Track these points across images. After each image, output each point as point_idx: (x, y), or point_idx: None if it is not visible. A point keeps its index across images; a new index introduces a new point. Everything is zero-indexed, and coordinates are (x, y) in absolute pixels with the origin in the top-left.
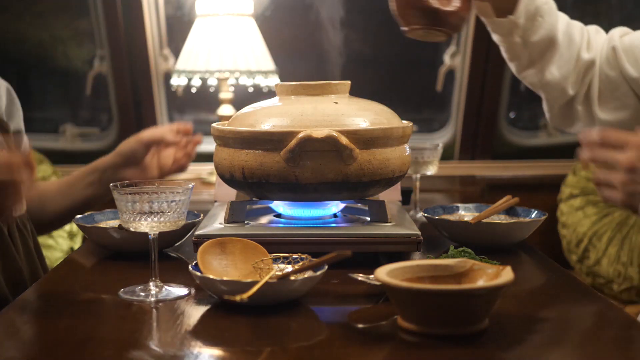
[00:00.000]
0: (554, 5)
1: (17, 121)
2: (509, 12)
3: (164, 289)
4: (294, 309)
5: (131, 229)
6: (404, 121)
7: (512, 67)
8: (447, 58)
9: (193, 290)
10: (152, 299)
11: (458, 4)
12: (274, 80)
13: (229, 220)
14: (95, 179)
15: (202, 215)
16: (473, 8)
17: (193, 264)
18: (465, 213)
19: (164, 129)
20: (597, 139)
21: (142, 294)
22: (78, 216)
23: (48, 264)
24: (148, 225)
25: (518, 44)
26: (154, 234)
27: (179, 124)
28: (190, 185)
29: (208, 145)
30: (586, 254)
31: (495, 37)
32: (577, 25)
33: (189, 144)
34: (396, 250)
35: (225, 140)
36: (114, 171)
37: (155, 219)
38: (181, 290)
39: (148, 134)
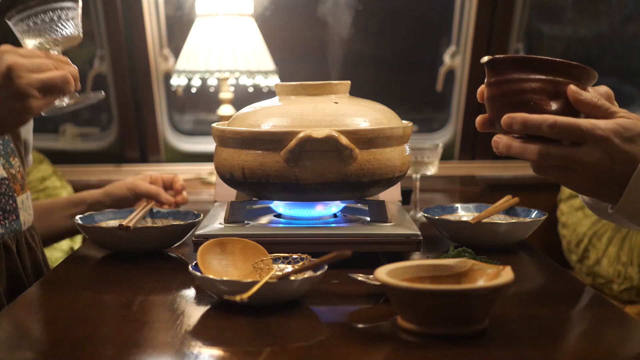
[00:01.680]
0: None
1: (28, 129)
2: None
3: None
4: (294, 309)
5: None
6: (404, 121)
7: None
8: (447, 58)
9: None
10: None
11: None
12: (274, 80)
13: (229, 220)
14: (80, 212)
15: (202, 215)
16: None
17: (193, 264)
18: (465, 213)
19: (159, 189)
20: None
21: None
22: (78, 216)
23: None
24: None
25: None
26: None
27: (175, 181)
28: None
29: (208, 145)
30: (586, 254)
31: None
32: None
33: (178, 198)
34: (396, 250)
35: (225, 140)
36: (99, 209)
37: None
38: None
39: (143, 188)
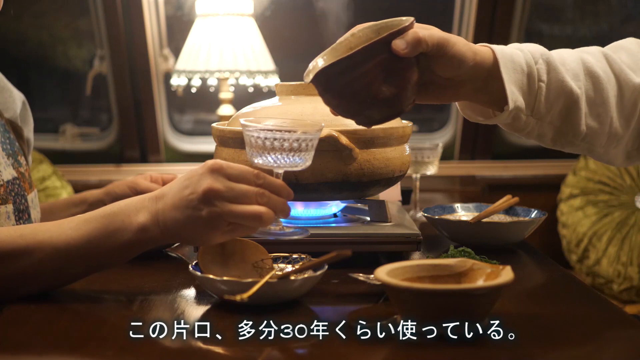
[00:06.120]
0: (553, 57)
1: (29, 128)
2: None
3: None
4: (294, 309)
5: (255, 161)
6: (404, 121)
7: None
8: None
9: None
10: None
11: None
12: (274, 80)
13: None
14: (80, 212)
15: None
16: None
17: (193, 264)
18: (465, 213)
19: (159, 187)
20: None
21: None
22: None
23: None
24: (272, 160)
25: (532, 123)
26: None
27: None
28: (322, 125)
29: (208, 145)
30: (586, 254)
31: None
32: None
33: None
34: (396, 250)
35: (225, 140)
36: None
37: (286, 159)
38: None
39: (144, 185)
